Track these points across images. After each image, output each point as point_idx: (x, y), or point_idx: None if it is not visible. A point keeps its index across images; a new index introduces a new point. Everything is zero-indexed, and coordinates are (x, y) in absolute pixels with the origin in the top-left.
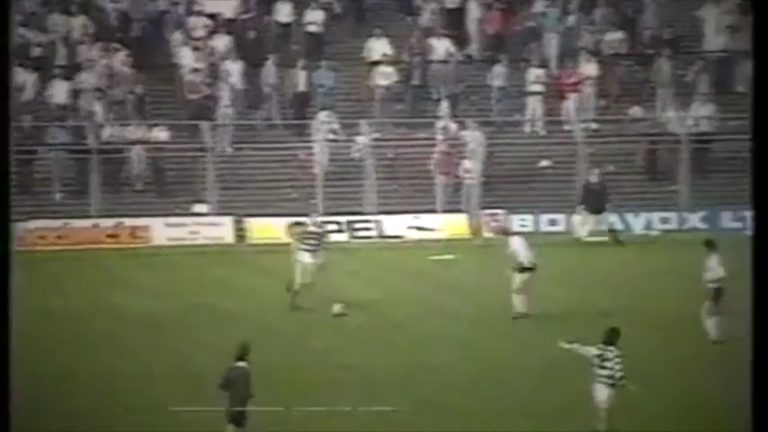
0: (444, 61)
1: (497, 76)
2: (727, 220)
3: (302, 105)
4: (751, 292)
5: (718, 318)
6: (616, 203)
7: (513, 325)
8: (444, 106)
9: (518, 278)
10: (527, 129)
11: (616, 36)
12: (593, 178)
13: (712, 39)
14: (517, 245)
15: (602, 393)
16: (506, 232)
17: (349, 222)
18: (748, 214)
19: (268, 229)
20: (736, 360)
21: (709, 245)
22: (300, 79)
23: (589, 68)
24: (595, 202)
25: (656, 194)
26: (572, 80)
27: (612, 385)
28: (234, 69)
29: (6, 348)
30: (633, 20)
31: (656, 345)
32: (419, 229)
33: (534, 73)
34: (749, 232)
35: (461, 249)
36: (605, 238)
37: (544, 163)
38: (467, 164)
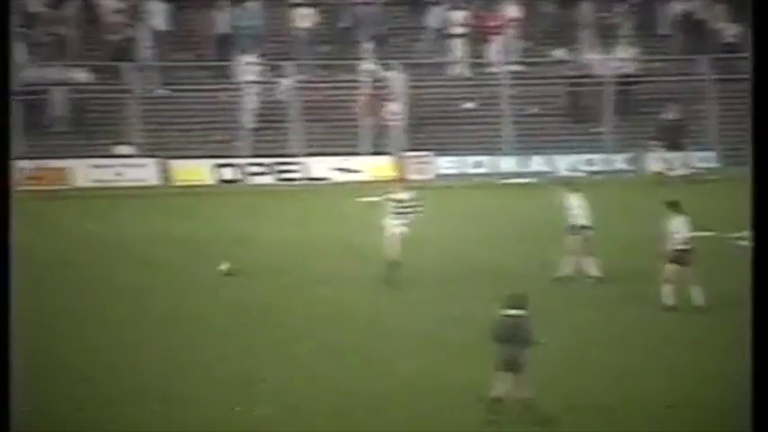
0: (369, 3)
1: (426, 17)
2: (651, 161)
3: (225, 47)
4: (751, 293)
5: (698, 287)
6: (542, 145)
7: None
8: (368, 48)
9: (570, 240)
10: (452, 71)
11: None
12: (671, 114)
13: None
14: (573, 202)
15: None
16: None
17: (275, 164)
18: (672, 155)
19: (193, 171)
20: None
21: (674, 206)
22: (223, 20)
23: (512, 11)
24: (673, 137)
25: (580, 137)
26: (496, 22)
27: None
28: (156, 10)
29: None
30: None
31: None
32: (345, 170)
33: (458, 15)
34: (674, 173)
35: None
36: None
37: (469, 105)
38: (392, 106)
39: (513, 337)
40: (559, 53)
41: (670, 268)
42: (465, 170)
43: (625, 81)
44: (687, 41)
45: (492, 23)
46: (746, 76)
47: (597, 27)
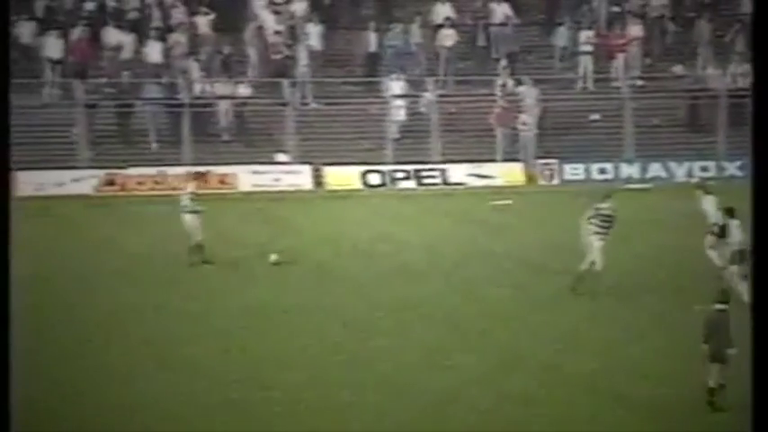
0: (503, 24)
1: (554, 37)
2: None
3: (373, 64)
4: (751, 293)
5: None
6: (662, 153)
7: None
8: (503, 65)
9: (710, 239)
10: (579, 85)
11: (660, 1)
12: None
13: (748, 1)
14: (708, 205)
15: None
16: (704, 189)
17: (416, 171)
18: None
19: (343, 176)
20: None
21: (730, 212)
22: (371, 41)
23: (635, 30)
24: None
25: (696, 145)
26: (620, 41)
27: None
28: (312, 32)
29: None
30: None
31: None
32: (479, 176)
33: (585, 34)
34: None
35: (516, 195)
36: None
37: (594, 116)
38: (523, 117)
39: (718, 331)
40: (678, 69)
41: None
42: (590, 176)
43: (738, 94)
44: None
45: (616, 42)
46: None
47: (713, 44)
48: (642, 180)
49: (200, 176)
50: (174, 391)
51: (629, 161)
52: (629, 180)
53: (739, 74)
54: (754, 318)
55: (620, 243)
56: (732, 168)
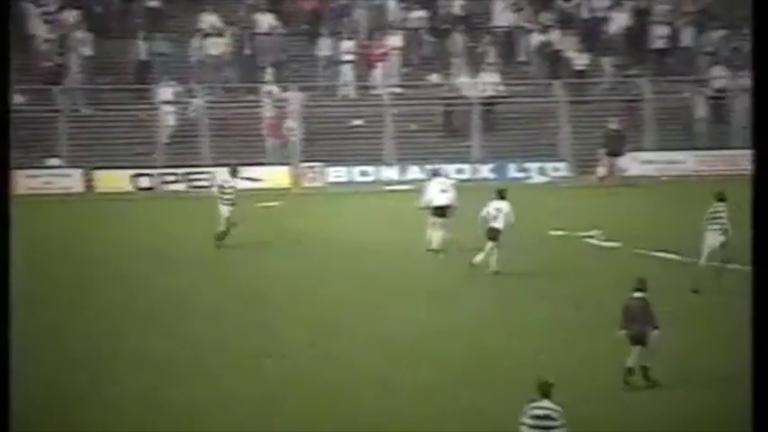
0: (268, 33)
1: (317, 46)
2: (513, 170)
3: (144, 72)
4: (751, 293)
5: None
6: (418, 157)
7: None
8: (269, 73)
9: (431, 219)
10: (341, 93)
11: (418, 14)
12: (614, 126)
13: (499, 16)
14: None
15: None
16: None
17: (185, 174)
18: (530, 165)
19: (114, 179)
20: None
21: (500, 193)
22: (141, 49)
23: (394, 41)
24: (615, 146)
25: (452, 149)
26: (379, 51)
27: None
28: (83, 40)
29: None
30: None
31: None
32: (248, 179)
33: (347, 44)
34: (532, 180)
35: (284, 197)
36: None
37: (356, 122)
38: (289, 123)
39: (638, 316)
40: (434, 78)
41: (489, 244)
42: (353, 178)
43: (490, 102)
44: (543, 68)
45: (376, 51)
46: (593, 98)
47: (467, 55)
48: (402, 182)
49: None
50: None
51: (390, 164)
52: (389, 182)
53: (489, 82)
54: (755, 316)
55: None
56: (485, 171)
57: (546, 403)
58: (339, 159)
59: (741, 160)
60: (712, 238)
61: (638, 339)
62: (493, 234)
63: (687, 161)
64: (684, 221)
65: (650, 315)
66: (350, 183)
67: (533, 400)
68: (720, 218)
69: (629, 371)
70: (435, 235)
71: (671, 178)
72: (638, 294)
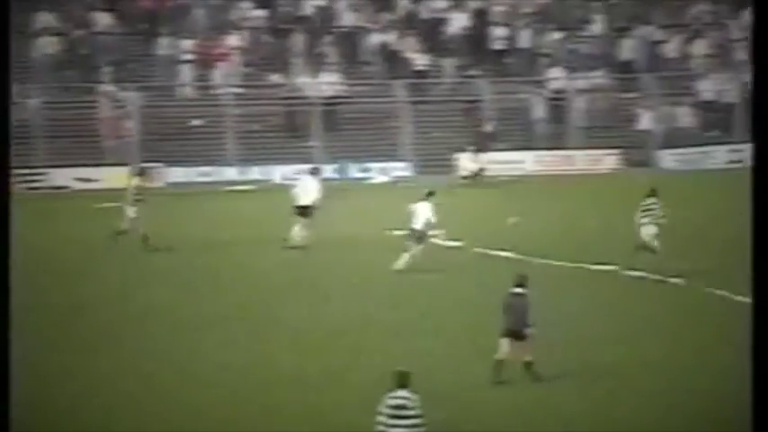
0: (106, 33)
1: (155, 46)
2: (354, 170)
3: None
4: (751, 293)
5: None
6: (261, 157)
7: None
8: (106, 72)
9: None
10: (180, 93)
11: (258, 13)
12: (489, 128)
13: (340, 16)
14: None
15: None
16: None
17: (22, 175)
18: (372, 165)
19: None
20: None
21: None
22: None
23: (234, 40)
24: (484, 146)
25: (294, 149)
26: (219, 51)
27: None
28: None
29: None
30: None
31: None
32: (84, 180)
33: (185, 44)
34: (374, 181)
35: (123, 198)
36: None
37: (196, 122)
38: (128, 123)
39: (516, 312)
40: (275, 77)
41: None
42: (193, 179)
43: (331, 102)
44: (384, 68)
45: (216, 51)
46: (435, 98)
47: (307, 55)
48: (242, 182)
49: None
50: None
51: (230, 164)
52: (230, 182)
53: (331, 82)
54: (755, 318)
55: None
56: (328, 171)
57: (401, 392)
58: (179, 160)
59: (578, 160)
60: (646, 230)
61: (515, 333)
62: (417, 234)
63: (526, 161)
64: (523, 220)
65: (527, 312)
66: (190, 183)
67: (391, 391)
68: (653, 211)
69: (500, 363)
70: (297, 232)
71: (511, 178)
72: (517, 290)
